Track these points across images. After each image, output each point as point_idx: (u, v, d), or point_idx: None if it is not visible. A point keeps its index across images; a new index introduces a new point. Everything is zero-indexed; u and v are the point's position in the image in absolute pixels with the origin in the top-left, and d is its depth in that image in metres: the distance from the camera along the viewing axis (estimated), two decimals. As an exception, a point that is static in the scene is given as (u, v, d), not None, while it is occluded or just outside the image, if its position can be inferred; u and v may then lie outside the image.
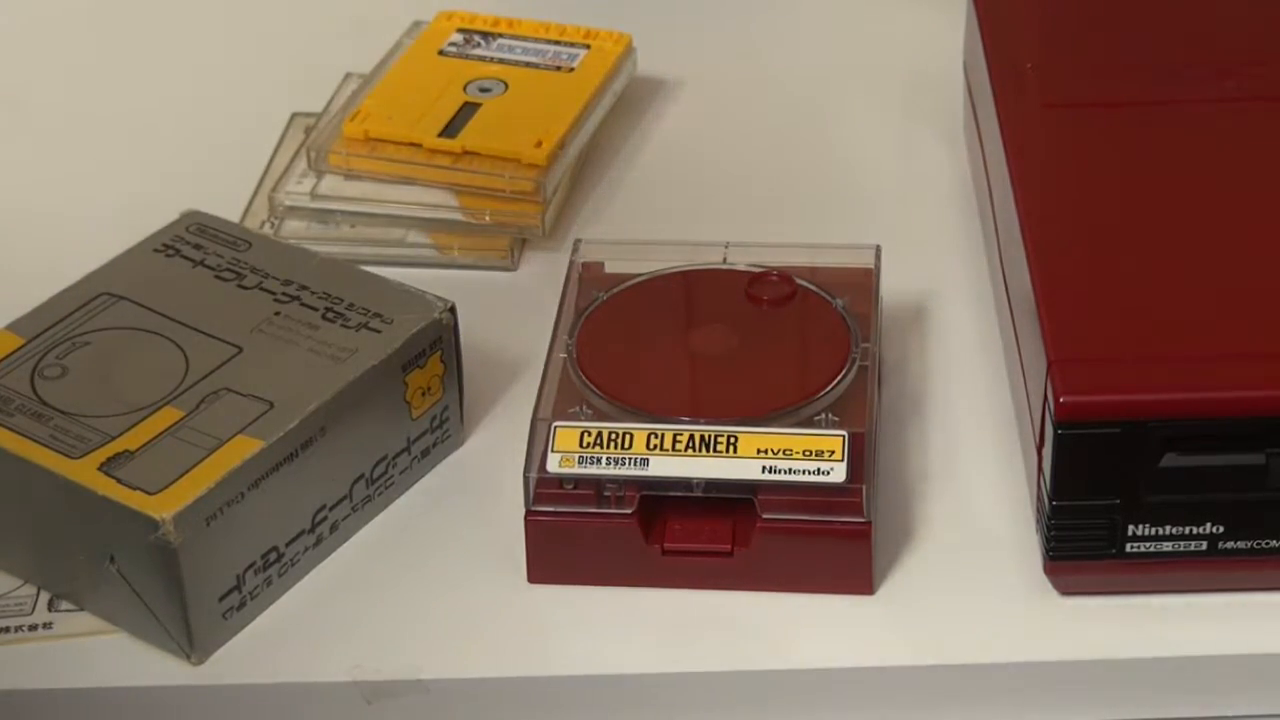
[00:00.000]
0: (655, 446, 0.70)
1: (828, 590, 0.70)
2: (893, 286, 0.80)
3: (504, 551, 0.71)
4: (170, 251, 0.77)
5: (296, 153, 0.89)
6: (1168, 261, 0.71)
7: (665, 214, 0.88)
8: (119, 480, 0.67)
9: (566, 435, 0.70)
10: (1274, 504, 0.67)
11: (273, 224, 0.86)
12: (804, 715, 0.69)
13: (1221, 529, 0.68)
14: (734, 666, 0.68)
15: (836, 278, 0.77)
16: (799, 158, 0.91)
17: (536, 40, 0.93)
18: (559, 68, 0.91)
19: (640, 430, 0.70)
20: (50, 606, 0.71)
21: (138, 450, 0.68)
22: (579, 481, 0.70)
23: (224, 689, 0.69)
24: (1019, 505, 0.73)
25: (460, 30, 0.94)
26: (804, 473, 0.69)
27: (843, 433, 0.69)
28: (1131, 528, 0.68)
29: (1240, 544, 0.68)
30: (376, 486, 0.73)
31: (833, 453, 0.69)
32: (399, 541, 0.73)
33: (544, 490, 0.70)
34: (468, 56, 0.92)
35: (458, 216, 0.86)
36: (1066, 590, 0.70)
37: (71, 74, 0.99)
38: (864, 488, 0.68)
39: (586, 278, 0.78)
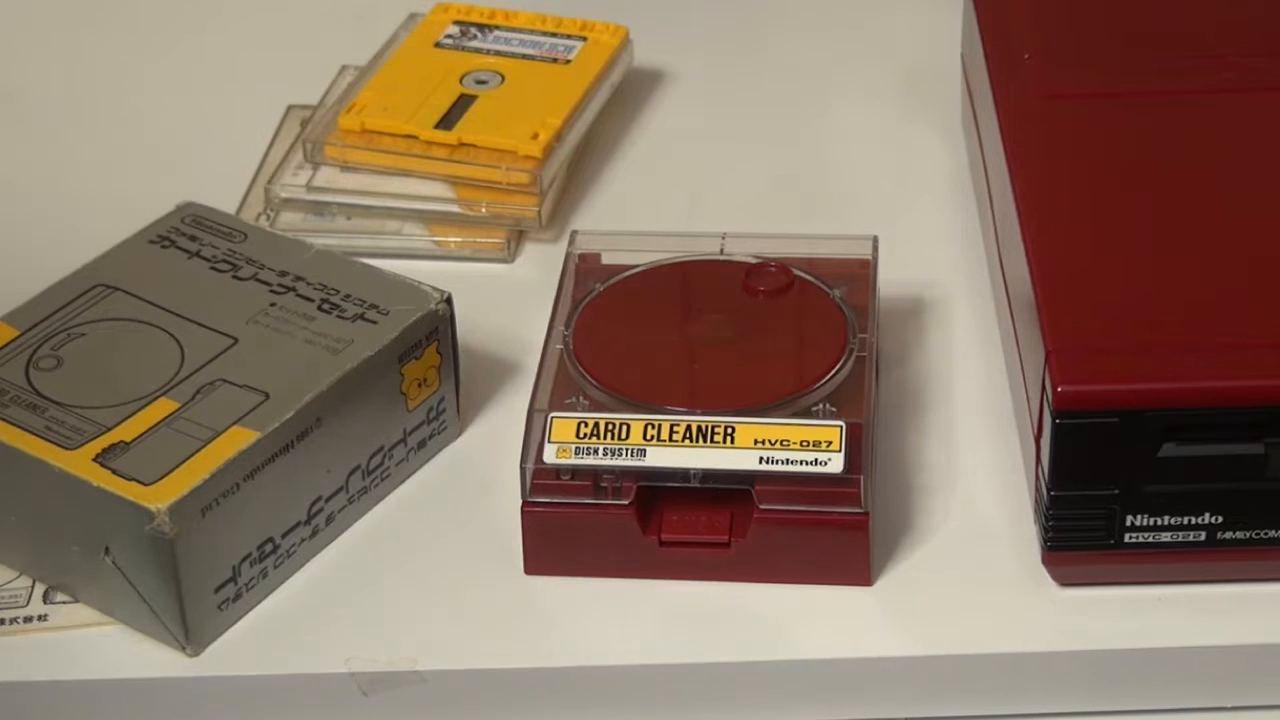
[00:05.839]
0: (652, 437, 0.69)
1: (826, 581, 0.70)
2: (891, 278, 0.80)
3: (501, 543, 0.71)
4: (166, 243, 0.77)
5: (292, 145, 0.89)
6: (1166, 251, 0.71)
7: (662, 205, 0.88)
8: (114, 471, 0.67)
9: (563, 426, 0.70)
10: (1273, 494, 0.67)
11: (269, 216, 0.86)
12: (802, 706, 0.69)
13: (1220, 519, 0.68)
14: (732, 658, 0.68)
15: (834, 268, 0.77)
16: (796, 150, 0.91)
17: (533, 32, 0.93)
18: (555, 60, 0.91)
19: (637, 421, 0.70)
20: (45, 598, 0.71)
21: (133, 441, 0.68)
22: (576, 472, 0.70)
23: (220, 680, 0.68)
24: (1017, 496, 0.73)
25: (456, 22, 0.94)
26: (801, 463, 0.69)
27: (840, 423, 0.69)
28: (1130, 518, 0.68)
29: (1239, 534, 0.68)
30: (373, 478, 0.73)
31: (830, 443, 0.69)
32: (395, 533, 0.73)
33: (541, 481, 0.70)
34: (464, 48, 0.92)
35: (454, 208, 0.85)
36: (1065, 581, 0.70)
37: (67, 66, 0.99)
38: (862, 478, 0.68)
39: (583, 269, 0.78)
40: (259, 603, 0.70)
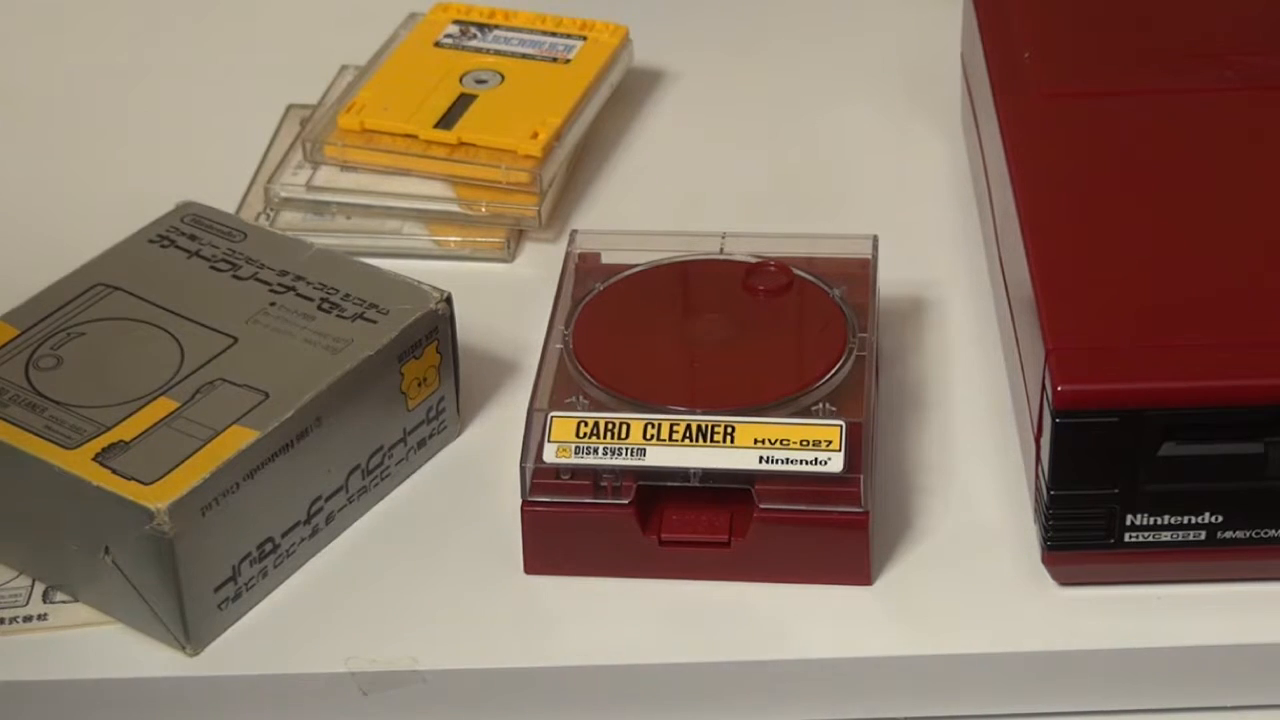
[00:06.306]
0: (652, 436, 0.69)
1: (825, 580, 0.70)
2: (890, 277, 0.80)
3: (500, 542, 0.71)
4: (165, 242, 0.77)
5: (292, 144, 0.89)
6: (1166, 250, 0.71)
7: (662, 205, 0.88)
8: (114, 471, 0.67)
9: (563, 425, 0.70)
10: (1272, 493, 0.67)
11: (268, 215, 0.86)
12: (802, 706, 0.69)
13: (1220, 518, 0.68)
14: (731, 657, 0.68)
15: (834, 268, 0.77)
16: (796, 149, 0.91)
17: (532, 32, 0.93)
18: (555, 59, 0.91)
19: (637, 420, 0.70)
20: (45, 598, 0.70)
21: (133, 441, 0.68)
22: (575, 472, 0.70)
23: (220, 680, 0.68)
24: (1017, 495, 0.73)
25: (456, 22, 0.94)
26: (801, 463, 0.69)
27: (840, 422, 0.69)
28: (1130, 517, 0.68)
29: (1238, 533, 0.68)
30: (372, 477, 0.73)
31: (830, 442, 0.69)
32: (395, 532, 0.73)
33: (540, 480, 0.70)
34: (464, 48, 0.92)
35: (454, 208, 0.85)
36: (1065, 580, 0.70)
37: (67, 66, 0.99)
38: (861, 478, 0.68)
39: (583, 268, 0.78)
40: (259, 602, 0.70)
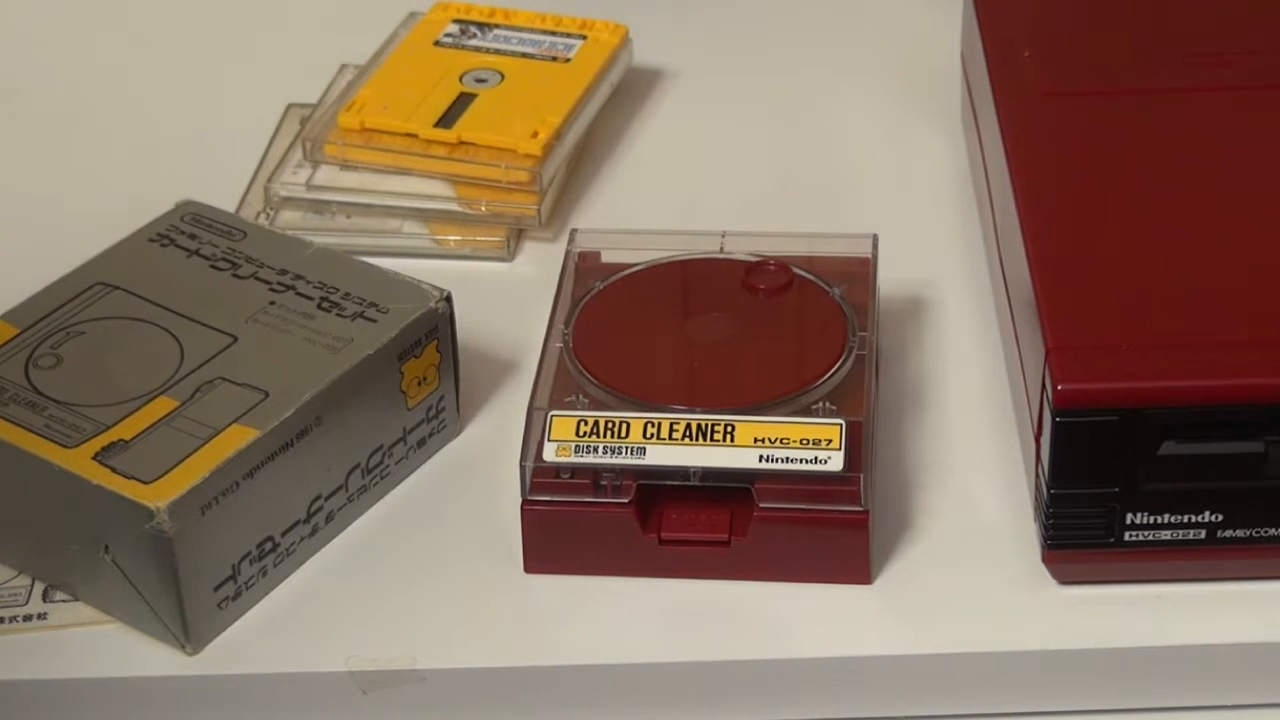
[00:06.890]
0: (652, 435, 0.69)
1: (825, 579, 0.70)
2: (890, 276, 0.80)
3: (500, 541, 0.71)
4: (165, 241, 0.77)
5: (292, 143, 0.89)
6: (1166, 249, 0.71)
7: (662, 204, 0.88)
8: (114, 469, 0.67)
9: (563, 424, 0.70)
10: (1272, 492, 0.67)
11: (268, 215, 0.86)
12: (802, 705, 0.69)
13: (1220, 517, 0.68)
14: (731, 656, 0.68)
15: (833, 267, 0.77)
16: (796, 148, 0.91)
17: (532, 31, 0.93)
18: (555, 58, 0.91)
19: (637, 419, 0.70)
20: (45, 597, 0.70)
21: (132, 440, 0.68)
22: (575, 471, 0.70)
23: (219, 679, 0.68)
24: (1017, 494, 0.73)
25: (456, 21, 0.94)
26: (801, 462, 0.69)
27: (840, 421, 0.69)
28: (1130, 516, 0.68)
29: (1239, 532, 0.68)
30: (372, 476, 0.73)
31: (830, 441, 0.69)
32: (395, 531, 0.73)
33: (540, 479, 0.70)
34: (464, 47, 0.92)
35: (454, 207, 0.85)
36: (1065, 579, 0.70)
37: (67, 66, 0.99)
38: (861, 476, 0.68)
39: (583, 267, 0.78)
40: (258, 601, 0.70)
